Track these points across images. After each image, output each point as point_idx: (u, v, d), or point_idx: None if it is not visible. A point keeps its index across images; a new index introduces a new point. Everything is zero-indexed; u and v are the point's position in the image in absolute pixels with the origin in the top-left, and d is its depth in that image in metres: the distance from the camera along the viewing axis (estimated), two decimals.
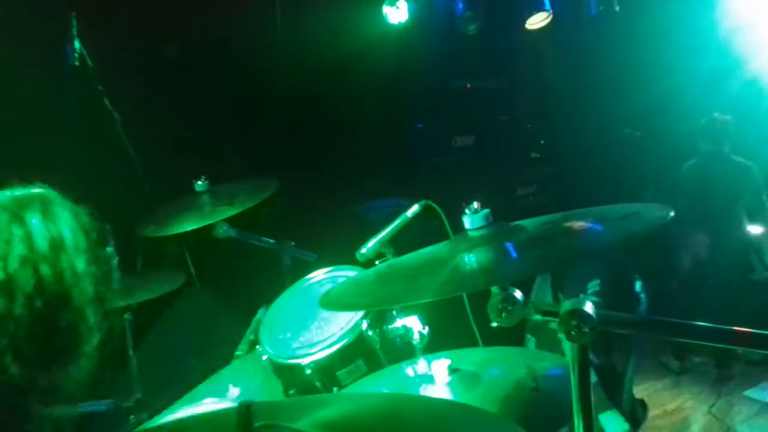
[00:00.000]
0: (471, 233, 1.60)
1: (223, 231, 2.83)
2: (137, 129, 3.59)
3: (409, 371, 1.90)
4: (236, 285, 3.66)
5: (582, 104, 5.97)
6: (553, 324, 1.33)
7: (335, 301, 1.76)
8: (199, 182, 2.90)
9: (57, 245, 1.20)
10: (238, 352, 2.45)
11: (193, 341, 3.43)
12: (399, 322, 2.10)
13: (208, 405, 1.96)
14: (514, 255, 1.53)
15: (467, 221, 1.61)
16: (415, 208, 2.31)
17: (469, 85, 6.16)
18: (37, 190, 1.27)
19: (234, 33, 4.78)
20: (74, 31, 3.25)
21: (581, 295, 2.16)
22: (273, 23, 4.81)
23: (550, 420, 1.63)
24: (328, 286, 2.32)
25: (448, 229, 2.13)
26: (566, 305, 1.29)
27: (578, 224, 1.61)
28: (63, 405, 1.20)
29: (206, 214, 2.79)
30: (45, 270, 1.16)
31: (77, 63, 3.25)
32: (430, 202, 2.30)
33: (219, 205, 2.82)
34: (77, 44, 3.24)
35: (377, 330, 2.16)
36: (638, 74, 5.51)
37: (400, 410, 1.25)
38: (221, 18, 4.60)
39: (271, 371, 2.23)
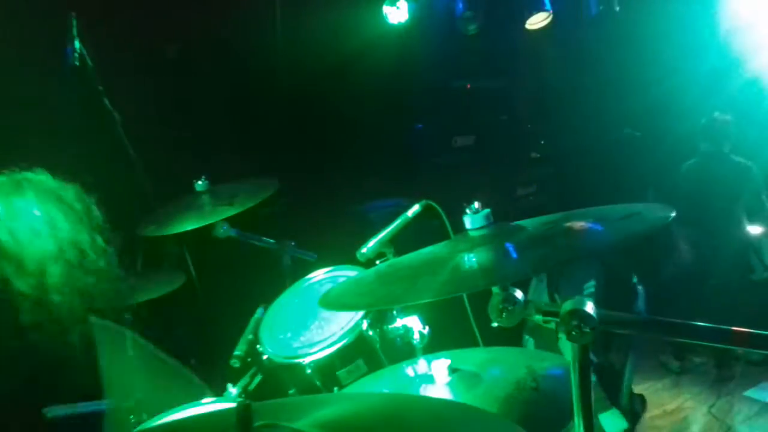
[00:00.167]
0: (471, 233, 1.60)
1: (223, 231, 2.83)
2: (137, 129, 3.58)
3: (409, 371, 1.90)
4: (236, 285, 3.65)
5: (582, 104, 5.96)
6: (551, 324, 1.32)
7: (335, 301, 1.76)
8: (199, 182, 2.91)
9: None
10: (237, 352, 2.45)
11: (193, 341, 3.43)
12: (399, 322, 2.11)
13: (208, 405, 1.96)
14: (515, 255, 1.52)
15: (468, 221, 1.61)
16: (415, 207, 2.31)
17: (469, 85, 6.15)
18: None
19: (234, 33, 4.77)
20: (74, 31, 3.24)
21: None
22: (273, 23, 4.81)
23: (551, 420, 1.62)
24: (328, 286, 2.33)
25: (449, 228, 2.13)
26: (567, 305, 1.29)
27: (579, 224, 1.61)
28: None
29: (206, 214, 2.79)
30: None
31: (77, 63, 3.24)
32: (430, 202, 2.30)
33: (219, 205, 2.82)
34: (77, 44, 3.24)
35: (377, 330, 2.17)
36: (638, 74, 5.51)
37: (400, 410, 1.25)
38: (221, 18, 4.60)
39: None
